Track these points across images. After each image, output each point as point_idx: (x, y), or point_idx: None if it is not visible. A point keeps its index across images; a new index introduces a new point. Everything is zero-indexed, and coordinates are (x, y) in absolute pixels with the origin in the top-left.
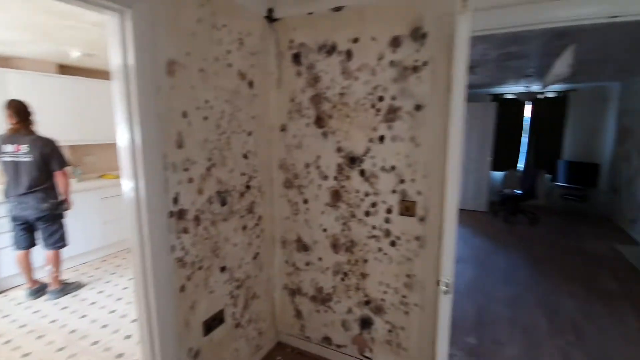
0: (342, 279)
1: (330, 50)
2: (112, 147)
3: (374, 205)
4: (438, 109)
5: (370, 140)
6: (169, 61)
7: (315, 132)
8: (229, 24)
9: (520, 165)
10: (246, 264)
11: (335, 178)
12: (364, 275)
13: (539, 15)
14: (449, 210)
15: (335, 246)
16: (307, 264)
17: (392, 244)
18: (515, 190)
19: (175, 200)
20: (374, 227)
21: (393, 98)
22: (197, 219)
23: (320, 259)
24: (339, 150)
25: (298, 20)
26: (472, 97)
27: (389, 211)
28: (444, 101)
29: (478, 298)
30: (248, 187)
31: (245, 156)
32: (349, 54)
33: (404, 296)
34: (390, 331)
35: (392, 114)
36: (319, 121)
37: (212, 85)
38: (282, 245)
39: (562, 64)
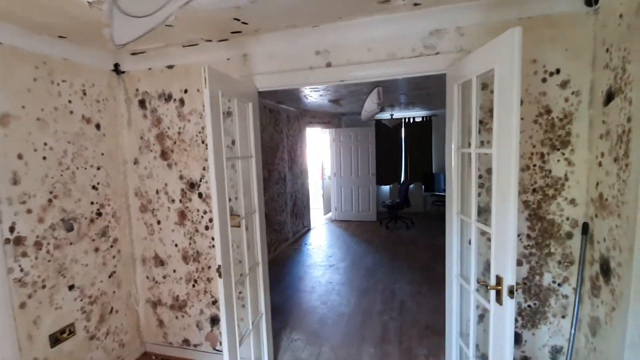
0: (193, 286)
1: (168, 98)
2: None
3: (210, 220)
4: (245, 142)
5: (204, 169)
6: (2, 114)
7: (162, 164)
8: (69, 79)
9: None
10: (100, 282)
11: (181, 201)
12: (209, 280)
13: (293, 80)
14: (216, 215)
15: (185, 258)
16: (164, 276)
17: None
18: (397, 201)
19: (12, 229)
20: (212, 239)
21: None
22: (38, 244)
23: (174, 270)
24: (181, 177)
25: (141, 73)
26: (358, 122)
27: None
28: (247, 138)
29: (339, 291)
30: (100, 213)
31: (94, 187)
32: (182, 101)
33: (240, 292)
34: None
35: None
36: (164, 155)
37: (52, 130)
38: (142, 263)
39: (370, 103)
